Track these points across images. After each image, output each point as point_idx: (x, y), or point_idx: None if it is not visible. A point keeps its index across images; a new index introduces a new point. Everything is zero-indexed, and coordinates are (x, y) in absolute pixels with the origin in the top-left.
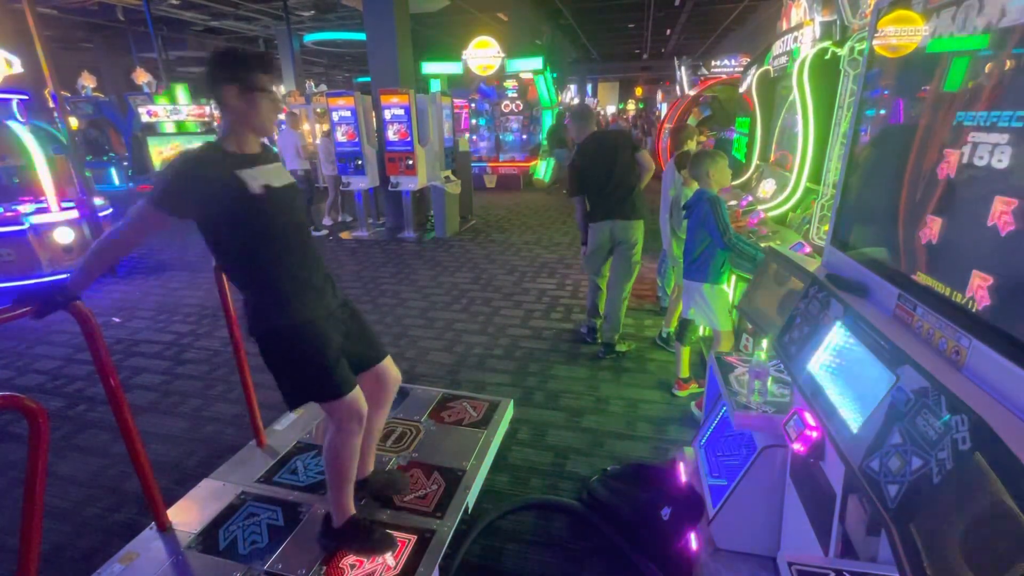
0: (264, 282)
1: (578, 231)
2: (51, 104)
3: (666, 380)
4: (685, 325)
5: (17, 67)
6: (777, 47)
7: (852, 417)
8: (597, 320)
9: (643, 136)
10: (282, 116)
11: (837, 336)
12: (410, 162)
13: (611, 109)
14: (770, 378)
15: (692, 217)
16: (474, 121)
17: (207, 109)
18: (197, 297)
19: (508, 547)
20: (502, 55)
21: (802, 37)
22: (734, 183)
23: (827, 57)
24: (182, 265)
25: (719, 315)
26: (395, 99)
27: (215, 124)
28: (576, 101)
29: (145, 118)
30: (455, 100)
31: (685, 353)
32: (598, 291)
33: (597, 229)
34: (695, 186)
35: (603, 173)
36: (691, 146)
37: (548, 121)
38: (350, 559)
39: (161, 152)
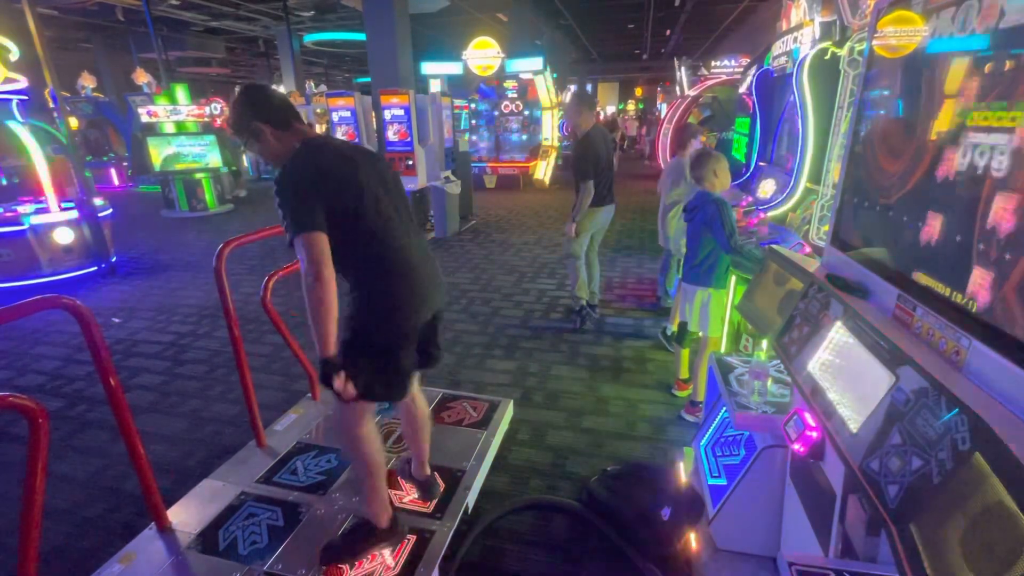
0: None
1: (569, 215)
2: (51, 104)
3: (666, 380)
4: (685, 327)
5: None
6: (777, 47)
7: (852, 417)
8: (585, 298)
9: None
10: None
11: (837, 336)
12: (410, 162)
13: (611, 109)
14: (770, 378)
15: (695, 220)
16: (474, 122)
17: (206, 110)
18: (197, 297)
19: (508, 547)
20: (502, 55)
21: (802, 37)
22: (733, 183)
23: (827, 57)
24: (182, 265)
25: (712, 321)
26: (395, 99)
27: (213, 125)
28: None
29: (145, 118)
30: (455, 100)
31: (685, 354)
32: (581, 271)
33: (599, 213)
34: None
35: (608, 162)
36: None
37: (548, 121)
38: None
39: (159, 153)
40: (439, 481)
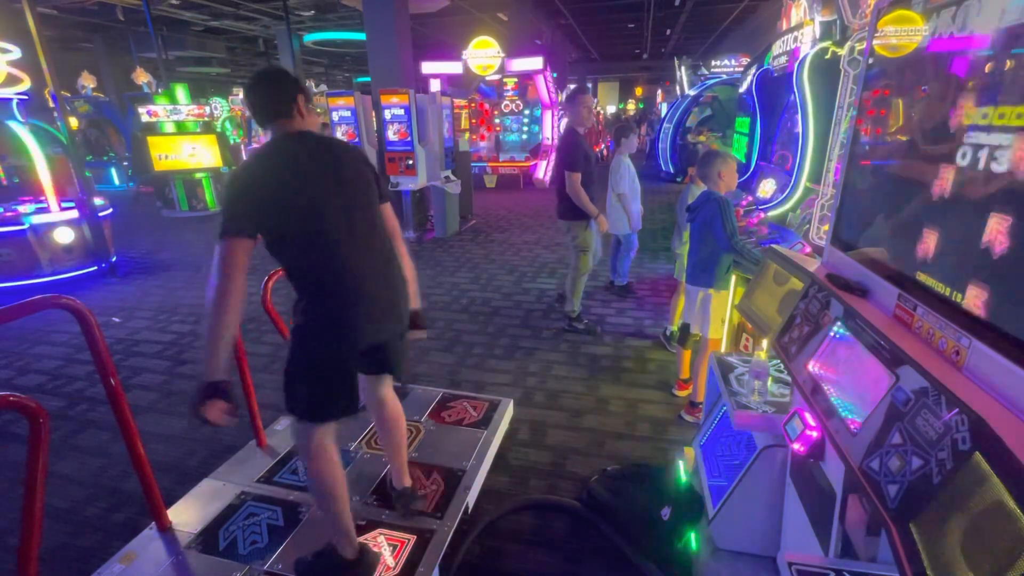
0: None
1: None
2: (51, 104)
3: (666, 380)
4: (687, 328)
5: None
6: (777, 47)
7: (852, 417)
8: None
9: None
10: None
11: (837, 336)
12: (410, 162)
13: (611, 109)
14: (770, 378)
15: (698, 219)
16: (473, 121)
17: (206, 109)
18: (197, 297)
19: (508, 547)
20: (502, 55)
21: (802, 37)
22: None
23: (827, 57)
24: (182, 265)
25: (713, 322)
26: (395, 99)
27: (214, 123)
28: None
29: (145, 118)
30: (455, 100)
31: (686, 354)
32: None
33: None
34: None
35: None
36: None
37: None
38: None
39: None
40: (418, 495)
